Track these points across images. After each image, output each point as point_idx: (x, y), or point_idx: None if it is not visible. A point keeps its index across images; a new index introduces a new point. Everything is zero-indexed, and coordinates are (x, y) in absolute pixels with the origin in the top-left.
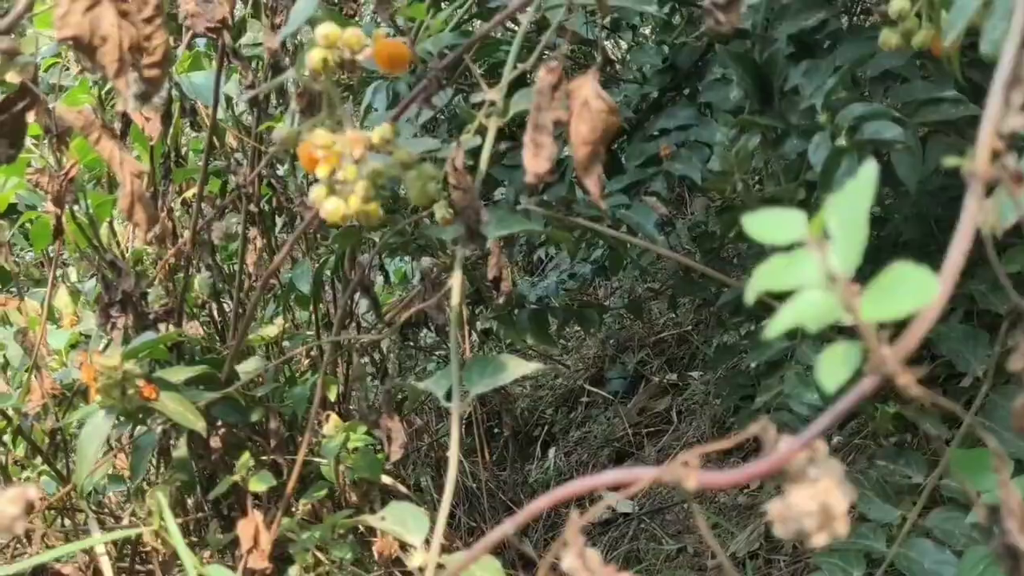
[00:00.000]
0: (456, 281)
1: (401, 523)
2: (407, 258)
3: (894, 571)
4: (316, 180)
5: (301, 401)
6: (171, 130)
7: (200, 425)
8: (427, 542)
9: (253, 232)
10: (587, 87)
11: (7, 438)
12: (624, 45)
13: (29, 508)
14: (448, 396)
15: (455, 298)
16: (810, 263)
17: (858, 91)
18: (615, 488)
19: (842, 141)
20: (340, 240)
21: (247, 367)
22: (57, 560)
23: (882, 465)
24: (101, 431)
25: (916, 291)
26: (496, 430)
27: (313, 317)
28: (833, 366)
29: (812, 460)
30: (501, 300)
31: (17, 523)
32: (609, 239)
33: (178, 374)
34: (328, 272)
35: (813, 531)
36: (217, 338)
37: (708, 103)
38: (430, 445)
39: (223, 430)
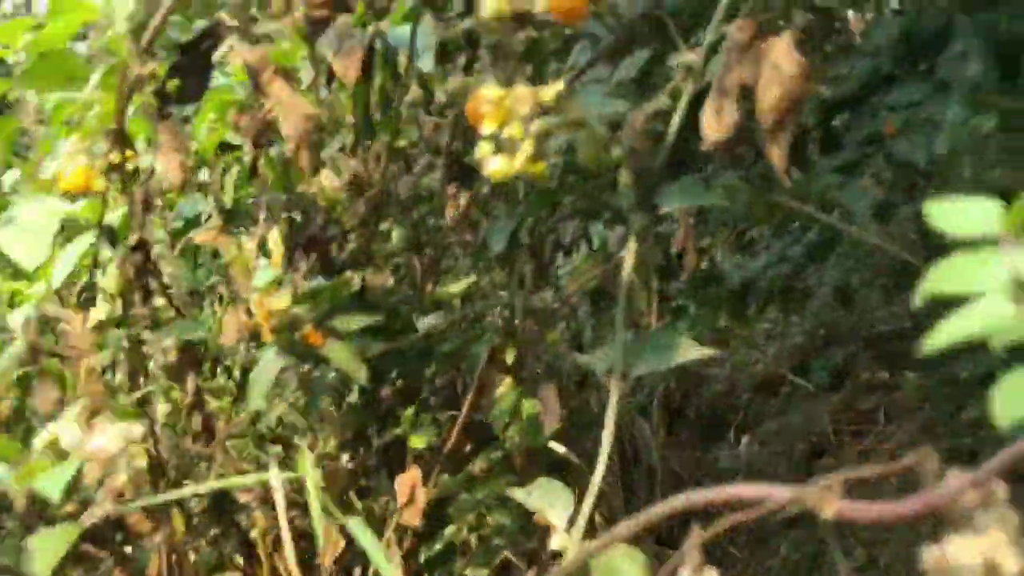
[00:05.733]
0: (629, 252)
1: (547, 500)
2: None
3: None
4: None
5: (477, 360)
6: (377, 81)
7: (362, 375)
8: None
9: (453, 188)
10: (780, 48)
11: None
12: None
13: (127, 446)
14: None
15: (626, 271)
16: (995, 263)
17: None
18: (742, 507)
19: None
20: (533, 203)
21: (428, 321)
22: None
23: None
24: (271, 371)
25: None
26: (686, 410)
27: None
28: (1012, 397)
29: (984, 504)
30: (685, 276)
31: (118, 460)
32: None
33: (352, 322)
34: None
35: None
36: (411, 291)
37: (945, 80)
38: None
39: (400, 381)
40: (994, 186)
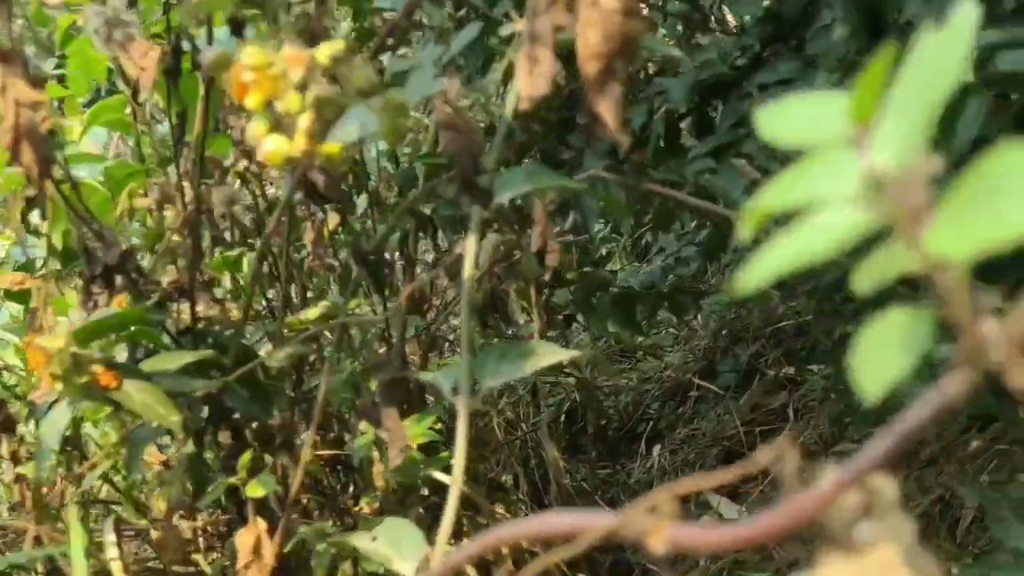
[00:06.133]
0: (468, 251)
1: (394, 545)
2: None
3: None
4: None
5: (338, 391)
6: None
7: (173, 420)
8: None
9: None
10: None
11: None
12: None
13: None
14: (457, 390)
15: (466, 271)
16: (845, 163)
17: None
18: (552, 542)
19: (968, 77)
20: (391, 214)
21: (280, 354)
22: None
23: None
24: (59, 425)
25: None
26: (595, 425)
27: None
28: (880, 353)
29: (868, 511)
30: (548, 276)
31: None
32: (702, 213)
33: (170, 360)
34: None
35: None
36: (271, 319)
37: (815, 55)
38: (522, 440)
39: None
40: None
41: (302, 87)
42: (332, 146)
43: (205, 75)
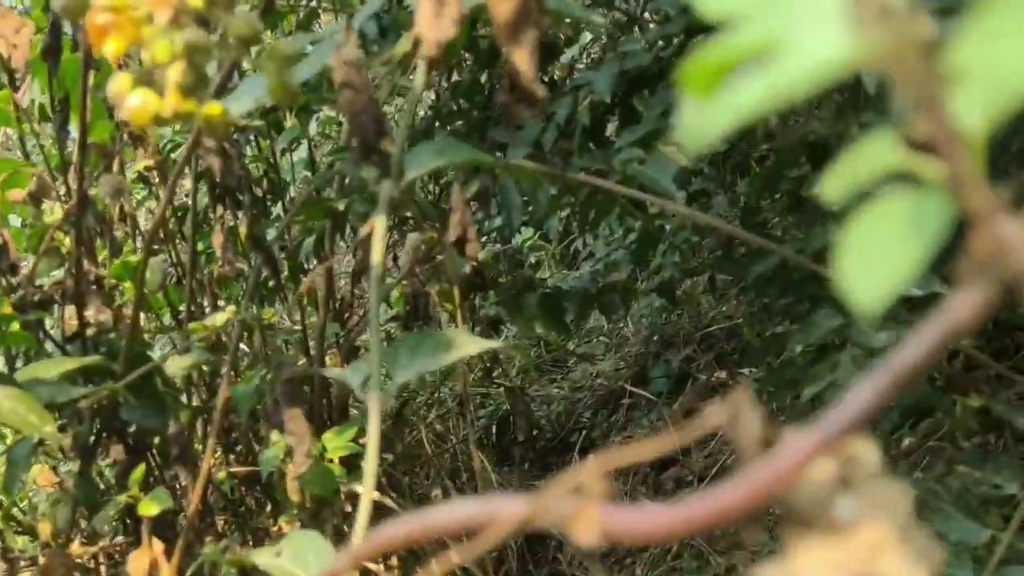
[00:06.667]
0: (376, 230)
1: (299, 560)
2: None
3: None
4: None
5: (245, 400)
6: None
7: (48, 430)
8: None
9: (220, 209)
10: None
11: None
12: None
13: None
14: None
15: (375, 255)
16: None
17: None
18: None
19: None
20: (304, 213)
21: (182, 362)
22: None
23: (964, 472)
24: None
25: None
26: (526, 436)
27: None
28: (878, 248)
29: (846, 481)
30: (467, 269)
31: None
32: (631, 202)
33: (50, 367)
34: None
35: None
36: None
37: None
38: (452, 452)
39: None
40: (804, 140)
41: (171, 33)
42: (213, 107)
43: (63, 17)
